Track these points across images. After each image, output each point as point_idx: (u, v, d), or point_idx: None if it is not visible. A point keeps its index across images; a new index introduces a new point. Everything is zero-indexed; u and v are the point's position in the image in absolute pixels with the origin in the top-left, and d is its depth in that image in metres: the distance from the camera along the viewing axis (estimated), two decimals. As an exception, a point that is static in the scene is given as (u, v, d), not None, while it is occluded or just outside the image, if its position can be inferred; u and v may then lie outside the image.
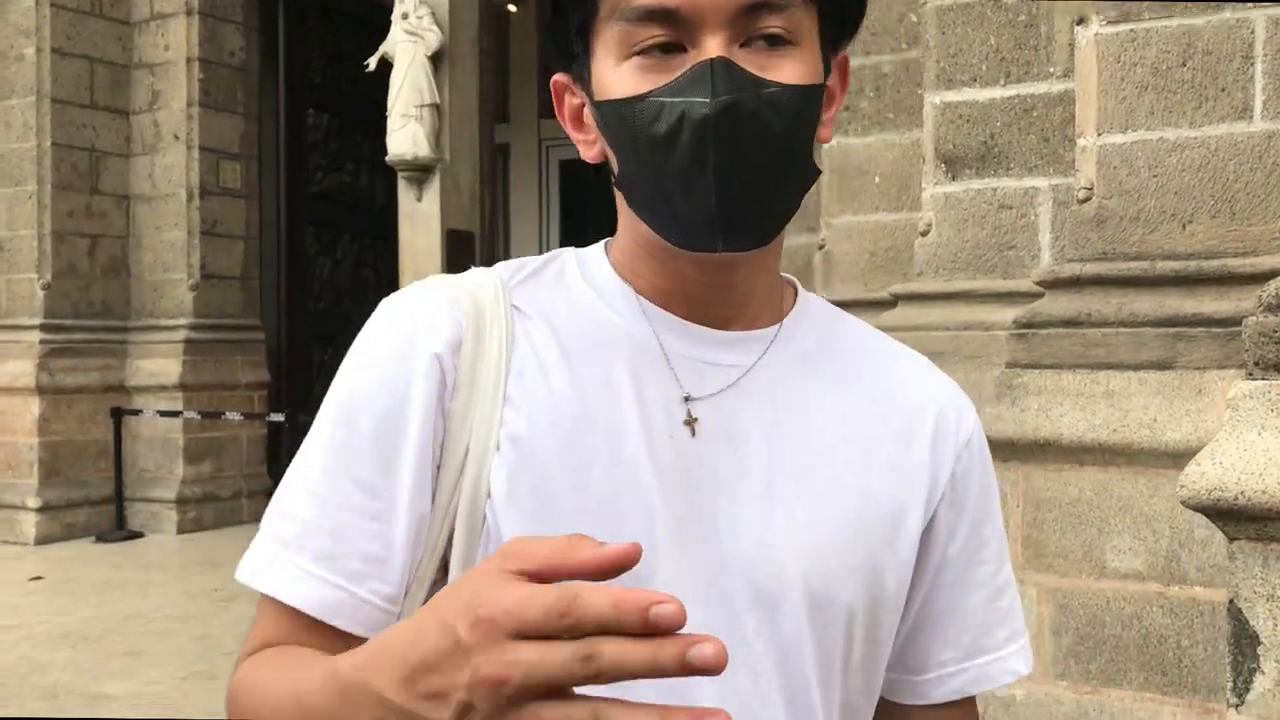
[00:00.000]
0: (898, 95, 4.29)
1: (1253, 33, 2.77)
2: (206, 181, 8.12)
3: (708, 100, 0.73)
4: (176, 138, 8.06)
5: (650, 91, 0.75)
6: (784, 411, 0.82)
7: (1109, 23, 2.90)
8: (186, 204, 8.06)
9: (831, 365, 0.87)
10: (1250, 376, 1.86)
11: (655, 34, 0.75)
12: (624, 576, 0.65)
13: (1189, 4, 2.84)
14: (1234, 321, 2.65)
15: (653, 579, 0.75)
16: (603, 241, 0.90)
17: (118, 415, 7.82)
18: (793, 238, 5.27)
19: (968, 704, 0.90)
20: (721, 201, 0.74)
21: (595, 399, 0.79)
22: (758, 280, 0.84)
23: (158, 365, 8.08)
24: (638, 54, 0.75)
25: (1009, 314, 3.29)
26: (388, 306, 0.84)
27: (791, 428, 0.82)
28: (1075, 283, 2.91)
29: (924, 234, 3.77)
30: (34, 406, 7.56)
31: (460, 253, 7.58)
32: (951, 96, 3.64)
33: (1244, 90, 2.77)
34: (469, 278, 0.86)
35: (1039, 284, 3.01)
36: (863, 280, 4.50)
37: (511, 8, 10.70)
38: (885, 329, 3.58)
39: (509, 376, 0.80)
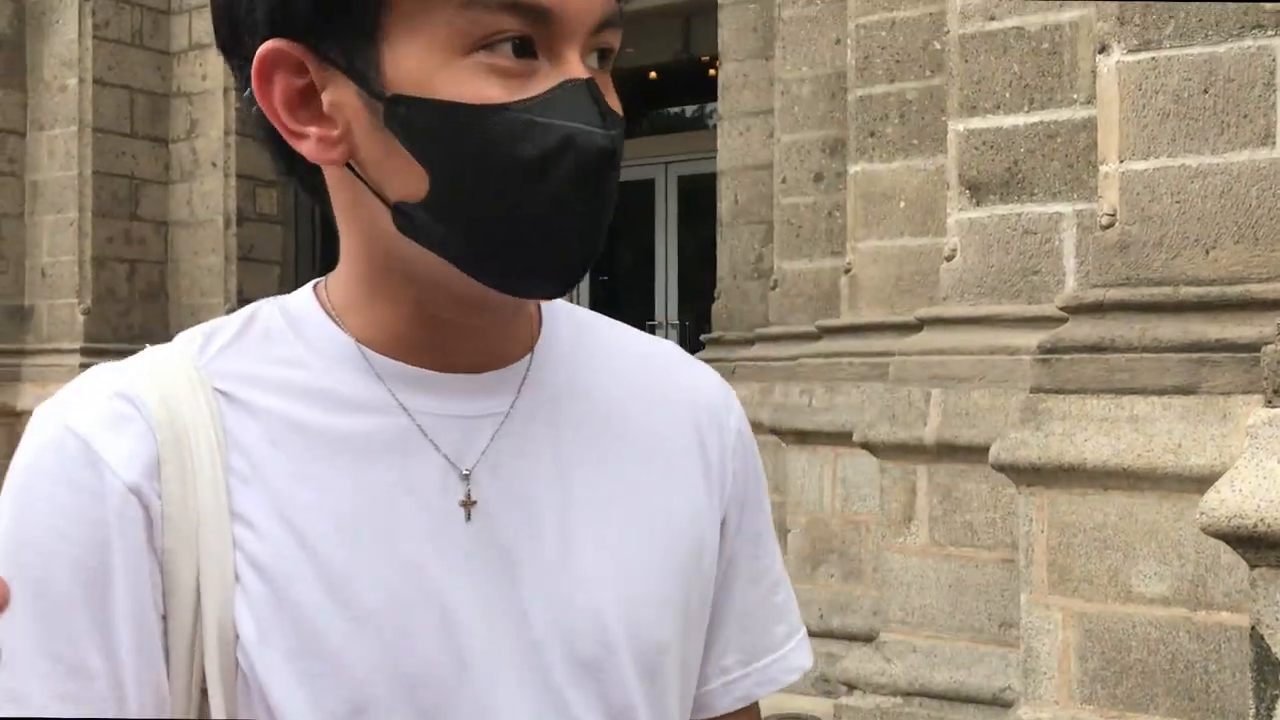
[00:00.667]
0: (922, 122, 4.32)
1: (1274, 60, 2.79)
2: (244, 208, 8.27)
3: (604, 130, 0.62)
4: (214, 165, 8.22)
5: (517, 103, 0.61)
6: (564, 450, 0.71)
7: (1130, 51, 2.93)
8: (224, 230, 8.20)
9: (598, 385, 0.75)
10: (1269, 404, 1.88)
11: (510, 29, 0.61)
12: (434, 688, 0.64)
13: (1210, 31, 2.86)
14: (1257, 347, 2.66)
15: (473, 683, 0.65)
16: (309, 285, 0.73)
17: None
18: (818, 261, 5.31)
19: (751, 711, 0.82)
20: (584, 244, 0.64)
21: (344, 496, 0.65)
22: (524, 314, 0.73)
23: (194, 389, 8.21)
24: (483, 49, 0.61)
25: (1034, 339, 3.31)
26: (48, 432, 0.64)
27: (576, 469, 0.71)
28: (1099, 308, 2.93)
29: (949, 259, 3.80)
30: (73, 430, 7.69)
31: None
32: (975, 123, 3.67)
33: (1265, 117, 2.79)
34: (146, 362, 0.67)
35: (1063, 309, 3.03)
36: (889, 304, 4.53)
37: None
38: (911, 353, 3.61)
39: (231, 486, 0.64)
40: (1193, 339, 2.79)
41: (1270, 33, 2.79)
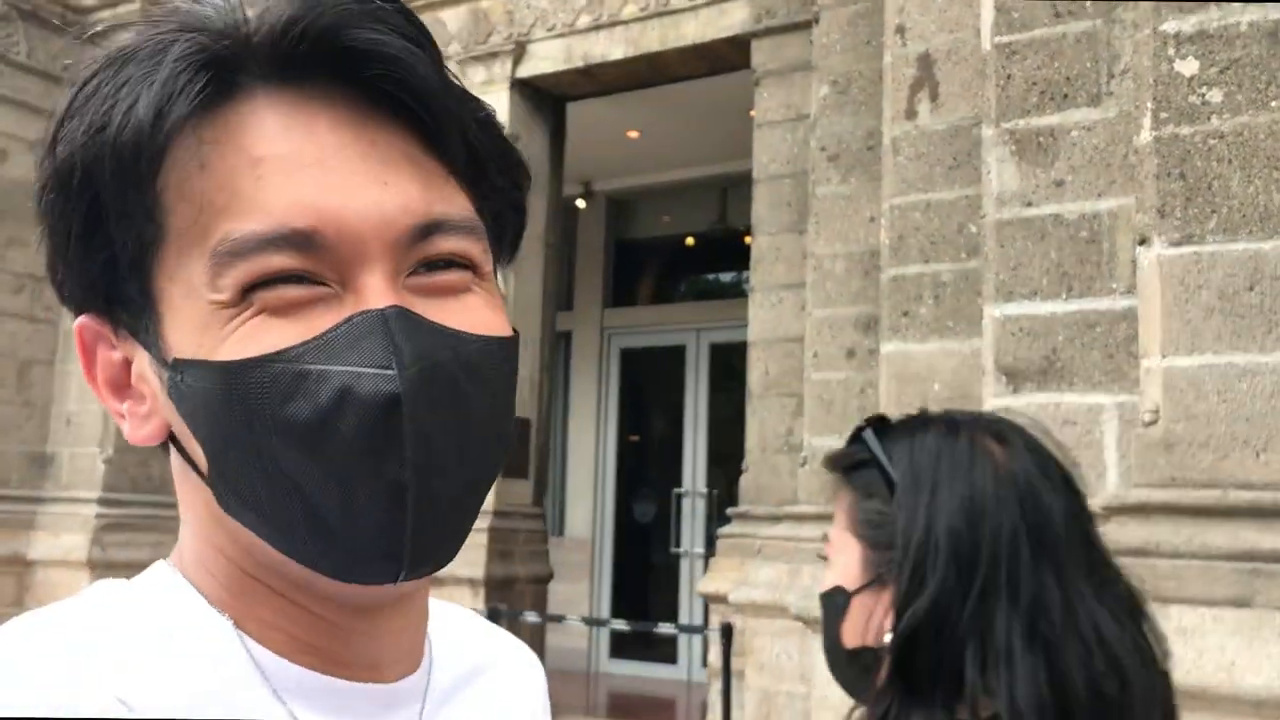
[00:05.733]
0: (957, 304, 4.25)
1: (1323, 259, 2.70)
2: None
3: (392, 372, 0.51)
4: (248, 318, 8.28)
5: (283, 351, 0.52)
6: None
7: (1172, 244, 2.85)
8: (252, 383, 8.20)
9: (476, 690, 0.66)
10: (1337, 638, 1.71)
11: (284, 266, 0.52)
12: None
13: (1254, 227, 2.78)
14: (1316, 560, 2.49)
15: None
16: (164, 563, 0.60)
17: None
18: (851, 440, 5.18)
19: None
20: (417, 516, 0.52)
21: None
22: (416, 606, 0.61)
23: (211, 542, 8.08)
24: (261, 287, 0.53)
25: (1074, 536, 3.14)
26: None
27: None
28: (1142, 510, 2.77)
29: (984, 447, 3.66)
30: (84, 582, 7.55)
31: (516, 440, 7.57)
32: (1012, 310, 3.58)
33: (1316, 317, 2.68)
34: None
35: (1104, 510, 2.88)
36: (922, 489, 4.37)
37: (580, 203, 11.01)
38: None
39: None
40: (1245, 547, 2.62)
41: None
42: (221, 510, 0.55)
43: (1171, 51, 2.93)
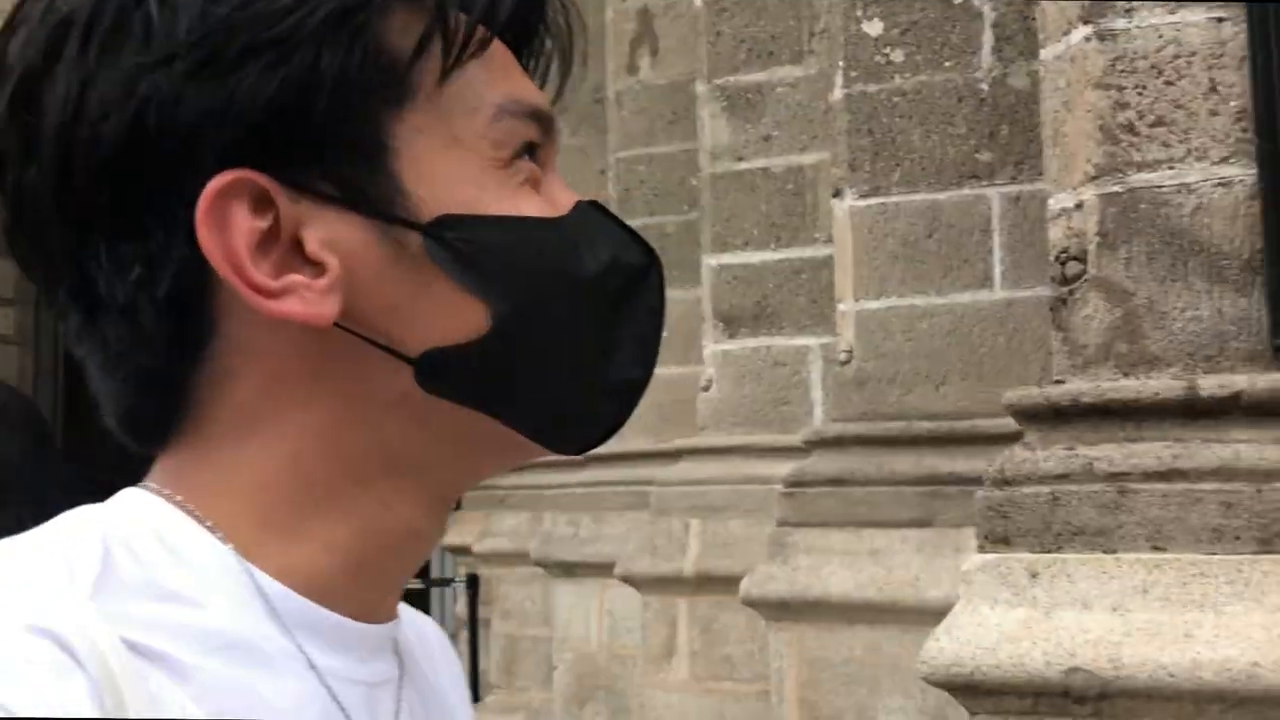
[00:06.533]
0: (681, 254, 4.40)
1: (989, 207, 2.97)
2: (-22, 328, 7.68)
3: (639, 247, 0.56)
4: (-54, 282, 7.63)
5: (563, 217, 0.55)
6: None
7: (861, 196, 3.06)
8: (-46, 352, 7.59)
9: (420, 635, 0.65)
10: (982, 550, 1.93)
11: (535, 138, 0.55)
12: None
13: (932, 179, 3.02)
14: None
15: None
16: (160, 498, 0.53)
17: None
18: (588, 388, 5.30)
19: None
20: (646, 378, 0.57)
21: None
22: None
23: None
24: (516, 160, 0.54)
25: (786, 468, 3.35)
26: None
27: None
28: (839, 442, 2.99)
29: (705, 389, 3.84)
30: None
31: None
32: (727, 259, 3.76)
33: (984, 261, 2.95)
34: (66, 620, 0.46)
35: (806, 444, 3.09)
36: (652, 432, 4.54)
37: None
38: (670, 483, 3.57)
39: None
40: (926, 472, 2.88)
41: (985, 182, 2.97)
42: (398, 400, 0.52)
43: (859, 12, 3.12)
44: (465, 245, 0.52)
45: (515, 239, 0.53)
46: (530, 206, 0.53)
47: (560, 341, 0.54)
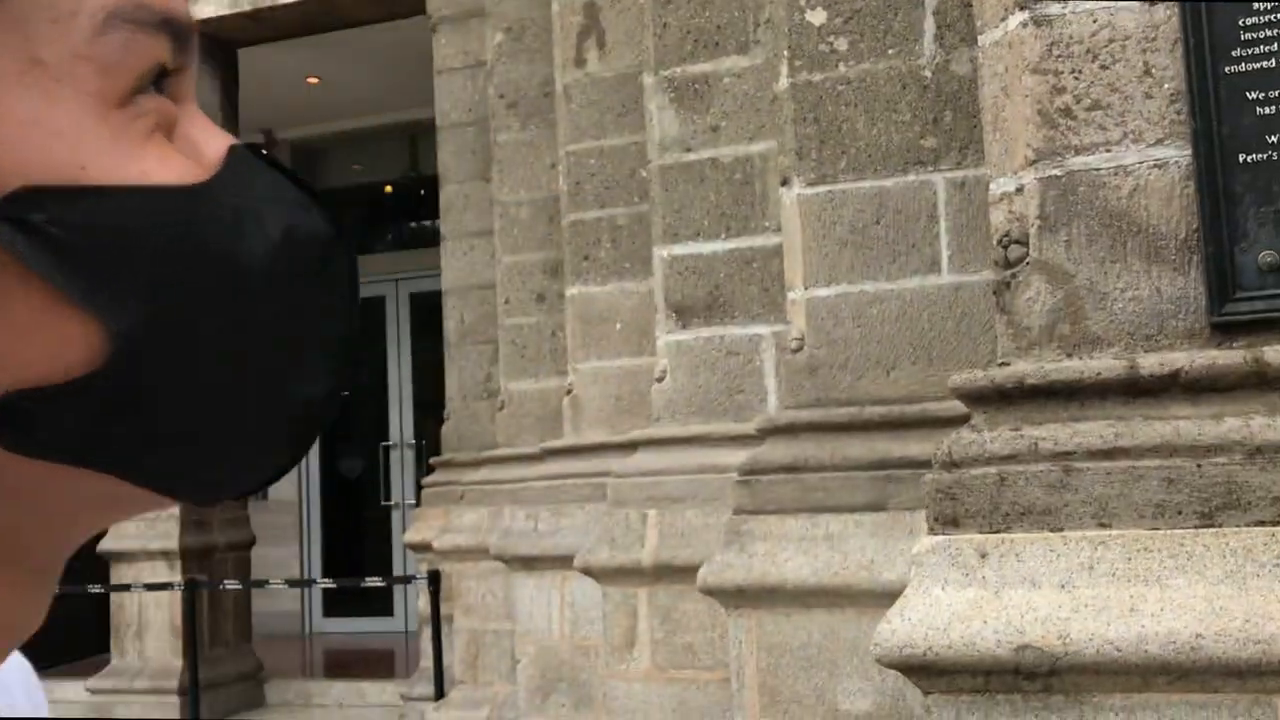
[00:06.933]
0: (633, 246, 4.41)
1: (935, 193, 3.00)
2: None
3: (318, 211, 0.41)
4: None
5: (211, 181, 0.38)
6: None
7: (809, 184, 3.08)
8: None
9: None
10: (932, 532, 1.95)
11: (164, 60, 0.38)
12: None
13: (879, 166, 3.05)
14: (937, 463, 2.80)
15: None
16: None
17: None
18: (544, 381, 5.30)
19: None
20: (337, 391, 0.42)
21: None
22: None
23: None
24: (139, 95, 0.38)
25: (742, 456, 3.37)
26: None
27: None
28: (792, 429, 3.01)
29: (660, 380, 3.85)
30: None
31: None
32: (678, 250, 3.77)
33: (931, 246, 2.98)
34: None
35: (759, 432, 3.11)
36: (610, 424, 4.55)
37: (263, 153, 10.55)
38: (627, 475, 3.58)
39: None
40: (879, 457, 2.91)
41: (930, 168, 3.00)
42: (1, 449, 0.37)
43: (803, 2, 3.14)
44: (62, 233, 0.35)
45: (141, 219, 0.36)
46: (162, 166, 0.37)
47: (212, 363, 0.38)
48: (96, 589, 7.00)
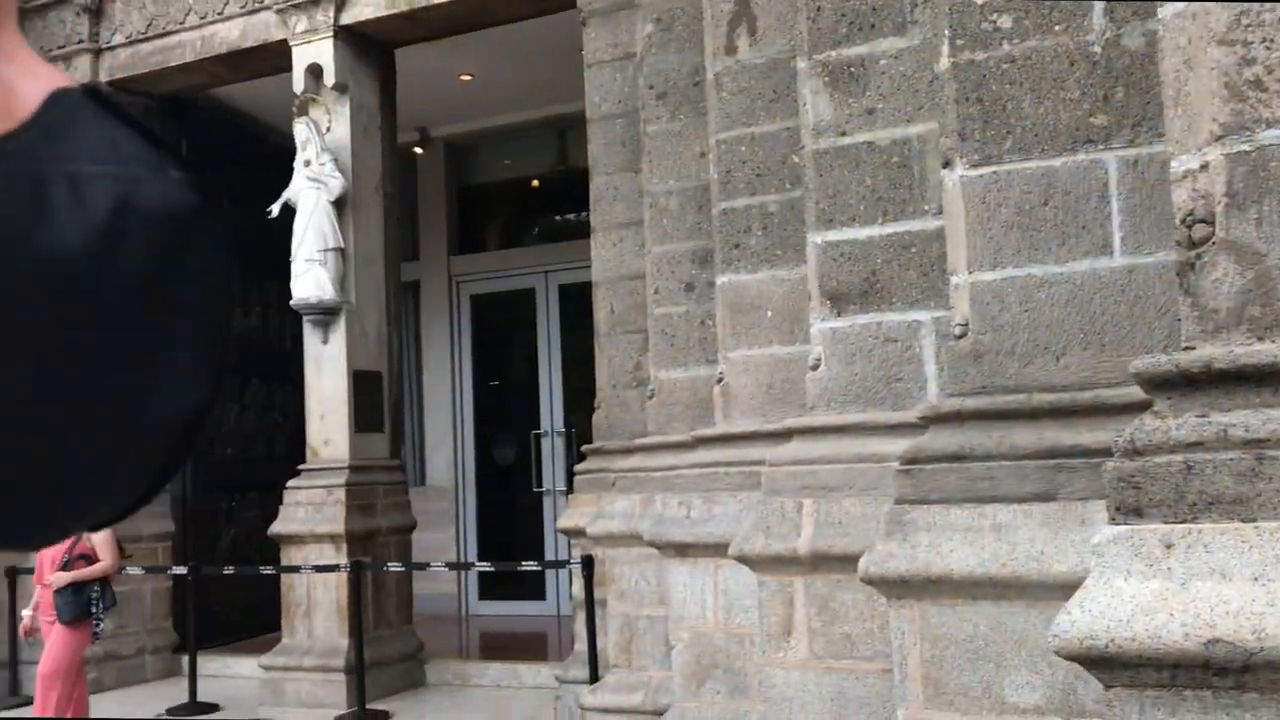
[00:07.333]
0: (784, 233, 4.39)
1: (1106, 172, 2.89)
2: (107, 330, 7.98)
3: (177, 174, 0.32)
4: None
5: (13, 134, 0.30)
6: None
7: (972, 165, 3.01)
8: (86, 354, 7.90)
9: None
10: (1113, 522, 1.89)
11: None
12: None
13: (1046, 145, 2.95)
14: (1110, 452, 2.70)
15: None
16: None
17: (12, 575, 7.50)
18: (693, 369, 5.32)
19: None
20: (210, 402, 0.35)
21: None
22: None
23: (55, 521, 7.81)
24: None
25: (900, 445, 3.32)
26: None
27: None
28: (957, 417, 2.95)
29: (814, 368, 3.82)
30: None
31: (368, 393, 7.50)
32: (833, 236, 3.73)
33: (1103, 228, 2.88)
34: None
35: (922, 420, 3.05)
36: (761, 412, 4.53)
37: (418, 150, 10.84)
38: (782, 463, 3.57)
39: None
40: (1048, 445, 2.82)
41: (1101, 147, 2.90)
42: None
43: (964, -19, 3.06)
44: None
45: None
46: None
47: (27, 386, 0.28)
48: (269, 570, 7.33)
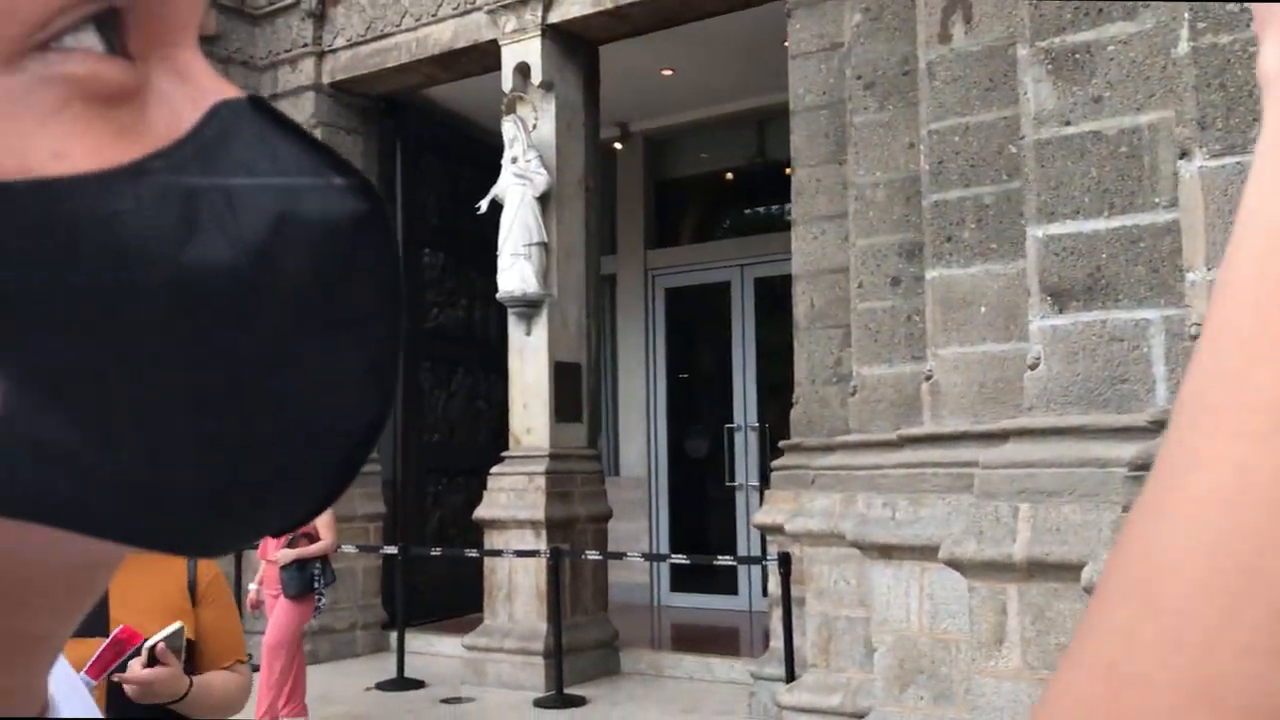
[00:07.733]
0: (999, 226, 4.24)
1: (1368, 162, 2.68)
2: (326, 320, 8.41)
3: (342, 181, 0.31)
4: (298, 279, 8.40)
5: (148, 159, 0.29)
6: None
7: (1213, 156, 2.84)
8: (307, 342, 8.34)
9: None
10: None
11: (85, 11, 0.28)
12: None
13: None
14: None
15: None
16: None
17: (238, 551, 8.01)
18: (898, 366, 5.21)
19: None
20: (384, 413, 0.34)
21: None
22: None
23: (278, 499, 8.29)
24: (46, 47, 0.28)
25: (1125, 450, 3.17)
26: None
27: None
28: (1193, 423, 2.79)
29: (1033, 367, 3.68)
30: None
31: (567, 383, 7.67)
32: (1055, 229, 3.58)
33: (1362, 221, 2.67)
34: None
35: (1152, 424, 2.90)
36: (972, 412, 4.40)
37: (618, 145, 11.00)
38: (997, 466, 3.47)
39: None
40: (1296, 455, 2.64)
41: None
42: None
43: (1207, -41, 2.89)
44: None
45: (38, 223, 0.27)
46: (78, 144, 0.28)
47: (166, 401, 0.29)
48: (473, 553, 7.59)
